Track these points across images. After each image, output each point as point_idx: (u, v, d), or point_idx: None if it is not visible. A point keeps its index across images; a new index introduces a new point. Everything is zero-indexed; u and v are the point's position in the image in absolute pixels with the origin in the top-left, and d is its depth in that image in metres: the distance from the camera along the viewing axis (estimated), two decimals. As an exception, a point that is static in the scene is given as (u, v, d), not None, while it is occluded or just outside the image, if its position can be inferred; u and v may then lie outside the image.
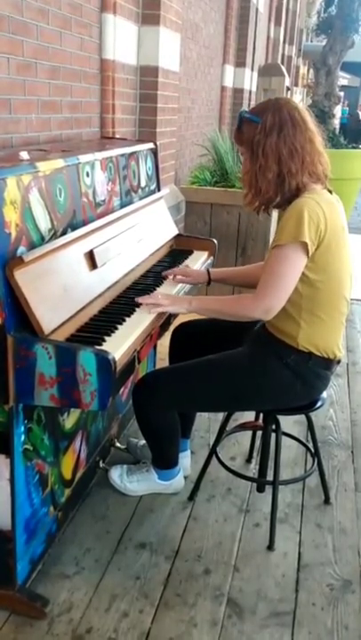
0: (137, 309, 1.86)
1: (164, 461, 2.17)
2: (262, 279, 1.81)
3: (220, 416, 2.41)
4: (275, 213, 2.09)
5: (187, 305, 1.93)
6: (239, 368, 1.93)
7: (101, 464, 2.25)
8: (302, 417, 2.36)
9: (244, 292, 2.02)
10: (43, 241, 1.62)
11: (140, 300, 1.89)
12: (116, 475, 2.22)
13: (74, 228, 1.81)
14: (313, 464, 2.22)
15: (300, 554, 2.01)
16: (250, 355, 1.96)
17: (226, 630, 1.70)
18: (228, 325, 2.16)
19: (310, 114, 1.86)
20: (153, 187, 2.67)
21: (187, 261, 2.49)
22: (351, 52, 8.23)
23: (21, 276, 1.44)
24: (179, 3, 3.81)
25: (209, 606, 1.78)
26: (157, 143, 2.75)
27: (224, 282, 2.32)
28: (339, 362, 1.96)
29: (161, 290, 2.10)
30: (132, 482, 2.21)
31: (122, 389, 2.43)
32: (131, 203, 2.32)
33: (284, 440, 2.28)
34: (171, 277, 2.22)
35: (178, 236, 2.70)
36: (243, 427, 2.42)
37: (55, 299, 1.57)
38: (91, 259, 1.82)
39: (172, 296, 2.00)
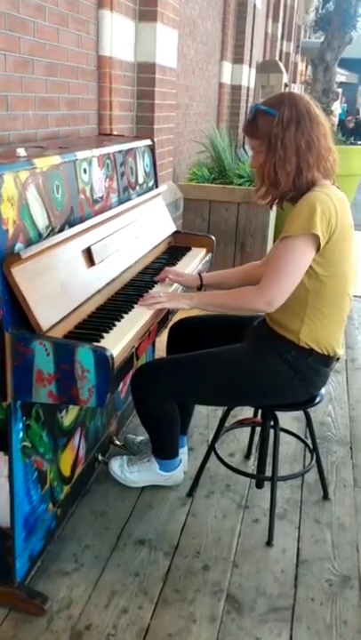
0: (135, 306, 1.86)
1: (165, 451, 2.17)
2: (267, 270, 1.80)
3: (219, 412, 2.41)
4: (272, 209, 2.07)
5: (188, 300, 1.93)
6: (237, 362, 1.94)
7: (100, 457, 2.24)
8: (301, 413, 2.36)
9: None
10: (40, 238, 1.62)
11: (140, 301, 1.88)
12: (117, 465, 2.21)
13: (71, 224, 1.80)
14: (311, 460, 2.23)
15: (298, 549, 2.01)
16: (249, 349, 1.96)
17: (225, 626, 1.70)
18: (226, 322, 2.16)
19: (321, 109, 1.86)
20: (151, 183, 2.66)
21: (185, 258, 2.49)
22: (349, 49, 8.21)
23: (19, 273, 1.44)
24: (176, -1, 3.80)
25: (208, 602, 1.78)
26: (155, 140, 2.75)
27: (216, 286, 2.18)
28: (338, 359, 1.97)
29: (157, 287, 2.10)
30: (133, 472, 2.20)
31: (121, 386, 2.43)
32: (128, 199, 2.32)
33: (283, 436, 2.29)
34: (165, 280, 2.15)
35: (176, 233, 2.70)
36: (241, 423, 2.42)
37: (53, 295, 1.57)
38: (88, 255, 1.82)
39: (171, 293, 1.99)
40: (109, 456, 2.30)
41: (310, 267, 1.78)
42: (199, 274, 2.22)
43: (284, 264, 1.76)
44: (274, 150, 1.78)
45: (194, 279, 2.20)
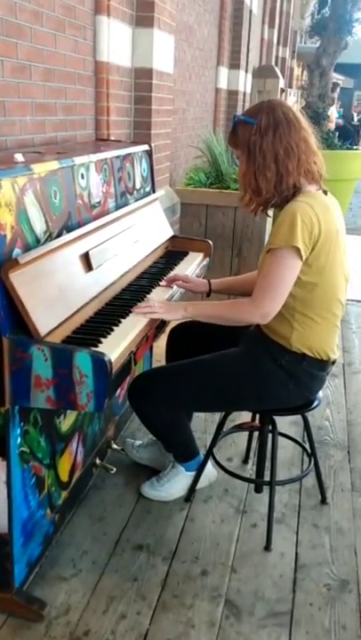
0: (133, 310, 1.86)
1: (183, 454, 2.19)
2: (259, 284, 1.81)
3: (217, 417, 2.42)
4: (270, 213, 2.07)
5: (182, 312, 1.92)
6: (233, 368, 1.94)
7: (98, 461, 2.23)
8: (299, 417, 2.36)
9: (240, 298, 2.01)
10: (38, 243, 1.62)
11: (134, 308, 1.86)
12: (148, 487, 2.23)
13: (69, 229, 1.81)
14: (310, 464, 2.23)
15: (297, 554, 2.01)
16: (244, 355, 1.96)
17: (224, 631, 1.70)
18: (225, 326, 2.16)
19: (303, 114, 1.87)
20: (148, 188, 2.67)
21: (182, 262, 2.49)
22: (345, 54, 8.24)
23: (17, 278, 1.44)
24: (172, 5, 3.82)
25: (206, 607, 1.78)
26: (152, 145, 2.76)
27: (224, 292, 2.30)
28: (334, 362, 1.97)
29: (155, 292, 2.10)
30: (164, 485, 2.21)
31: (118, 391, 2.43)
32: (126, 204, 2.33)
33: (281, 440, 2.29)
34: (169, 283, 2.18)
35: (173, 238, 2.70)
36: (239, 427, 2.42)
37: (51, 300, 1.57)
38: (86, 260, 1.82)
39: (167, 303, 1.96)
40: (108, 460, 2.30)
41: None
42: (208, 280, 2.23)
43: (274, 278, 1.77)
44: (253, 158, 1.80)
45: (202, 284, 2.23)
